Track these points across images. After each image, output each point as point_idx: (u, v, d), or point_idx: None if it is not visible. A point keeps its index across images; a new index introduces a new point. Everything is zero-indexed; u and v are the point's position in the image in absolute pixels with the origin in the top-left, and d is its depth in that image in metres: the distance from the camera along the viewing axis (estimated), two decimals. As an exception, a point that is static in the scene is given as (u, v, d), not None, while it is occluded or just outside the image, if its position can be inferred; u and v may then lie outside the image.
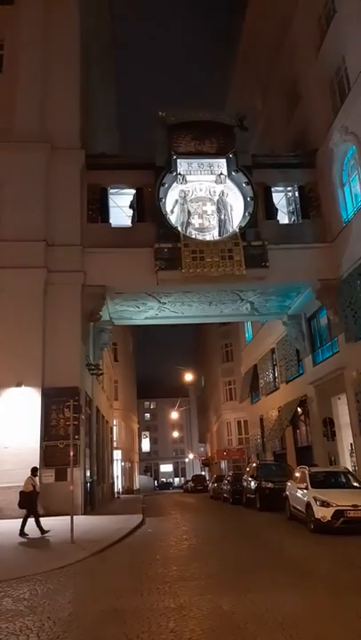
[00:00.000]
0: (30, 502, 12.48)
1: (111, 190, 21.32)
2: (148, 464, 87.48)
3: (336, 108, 20.12)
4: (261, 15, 26.54)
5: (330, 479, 14.35)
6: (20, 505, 12.52)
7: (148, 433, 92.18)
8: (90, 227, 20.26)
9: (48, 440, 17.25)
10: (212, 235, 20.65)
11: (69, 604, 6.36)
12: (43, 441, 17.17)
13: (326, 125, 20.56)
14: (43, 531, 12.09)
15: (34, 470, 13.29)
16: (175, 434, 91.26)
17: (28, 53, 21.24)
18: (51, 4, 21.93)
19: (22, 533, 11.99)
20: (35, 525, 12.10)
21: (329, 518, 11.73)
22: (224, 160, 21.25)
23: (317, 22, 21.64)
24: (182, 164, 21.11)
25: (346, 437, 20.10)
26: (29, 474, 12.91)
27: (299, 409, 25.25)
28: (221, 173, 21.15)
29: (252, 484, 20.39)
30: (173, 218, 20.68)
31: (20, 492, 12.62)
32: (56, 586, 7.27)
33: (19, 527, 12.01)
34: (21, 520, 12.30)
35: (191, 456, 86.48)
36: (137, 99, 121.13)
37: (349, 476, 14.51)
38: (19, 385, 17.39)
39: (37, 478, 13.36)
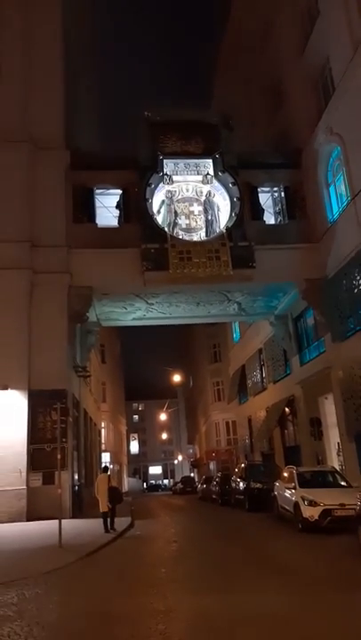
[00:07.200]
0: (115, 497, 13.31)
1: (97, 190, 21.17)
2: (137, 466, 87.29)
3: (321, 109, 20.21)
4: (245, 14, 26.63)
5: (317, 479, 14.39)
6: (116, 500, 13.31)
7: (136, 435, 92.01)
8: (76, 227, 20.08)
9: (35, 443, 17.03)
10: (199, 235, 20.63)
11: (58, 609, 6.29)
12: (30, 444, 16.97)
13: (311, 126, 20.64)
14: (108, 528, 12.89)
15: (105, 469, 14.44)
16: (164, 435, 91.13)
17: (10, 52, 21.02)
18: (33, 3, 21.75)
19: (112, 528, 12.89)
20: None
21: (317, 517, 11.78)
22: (210, 160, 21.24)
23: (301, 23, 21.68)
24: (168, 165, 21.07)
25: (333, 437, 20.18)
26: (101, 472, 14.27)
27: (286, 409, 25.32)
28: (208, 174, 21.15)
29: (241, 484, 20.38)
30: (160, 218, 20.63)
31: (110, 488, 13.28)
32: (44, 590, 7.19)
33: (13, 530, 11.95)
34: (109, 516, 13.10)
35: (180, 457, 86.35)
36: (121, 96, 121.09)
37: (337, 476, 14.60)
38: (4, 388, 17.18)
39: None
